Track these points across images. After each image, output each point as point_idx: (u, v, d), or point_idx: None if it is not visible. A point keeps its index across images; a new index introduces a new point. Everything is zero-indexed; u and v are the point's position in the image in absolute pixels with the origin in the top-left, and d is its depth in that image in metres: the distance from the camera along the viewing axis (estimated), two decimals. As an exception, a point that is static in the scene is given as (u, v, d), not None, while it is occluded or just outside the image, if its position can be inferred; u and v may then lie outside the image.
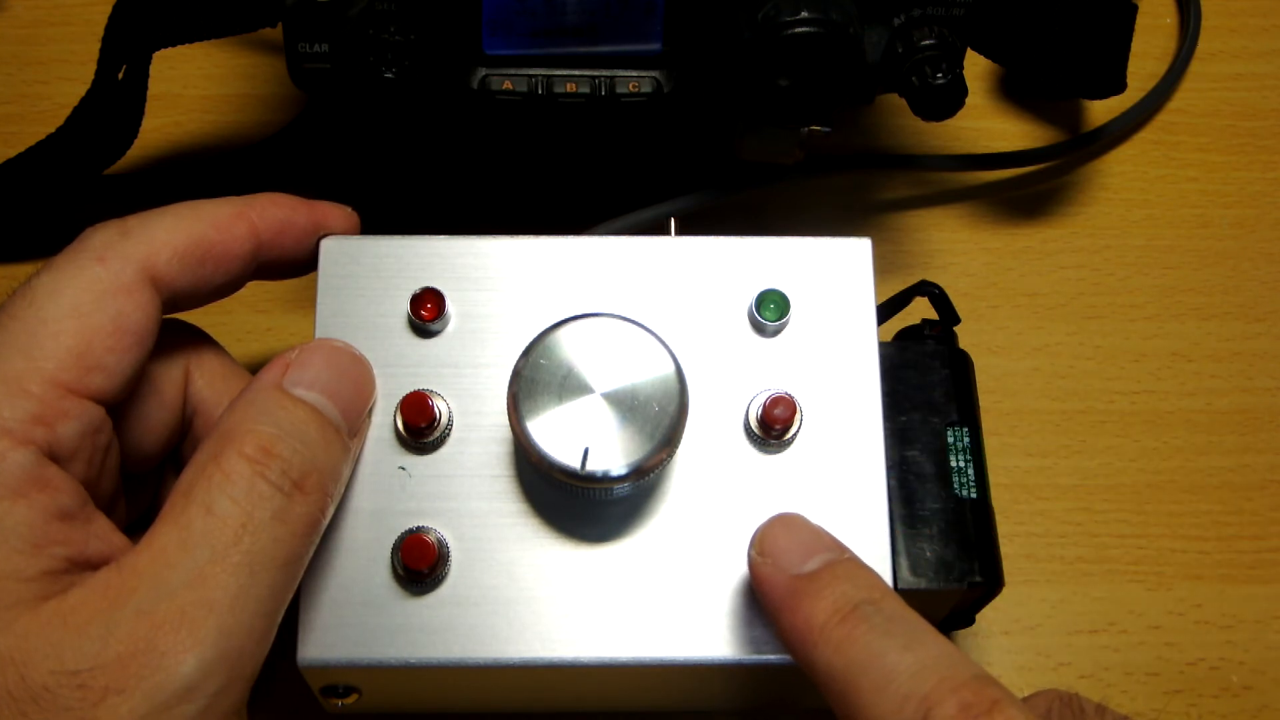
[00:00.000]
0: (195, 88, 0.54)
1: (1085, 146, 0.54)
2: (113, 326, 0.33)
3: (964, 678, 0.29)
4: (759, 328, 0.38)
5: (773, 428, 0.37)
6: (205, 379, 0.38)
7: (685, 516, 0.36)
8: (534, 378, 0.34)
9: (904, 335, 0.42)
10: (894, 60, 0.41)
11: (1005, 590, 0.39)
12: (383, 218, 0.42)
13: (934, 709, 0.29)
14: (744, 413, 0.37)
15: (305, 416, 0.33)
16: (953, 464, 0.39)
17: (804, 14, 0.39)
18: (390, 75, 0.40)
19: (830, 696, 0.31)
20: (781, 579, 0.33)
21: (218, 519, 0.31)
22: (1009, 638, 0.45)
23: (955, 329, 0.42)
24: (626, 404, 0.34)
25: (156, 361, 0.36)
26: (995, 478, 0.42)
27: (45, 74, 0.54)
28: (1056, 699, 0.31)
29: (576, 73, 0.42)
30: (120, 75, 0.45)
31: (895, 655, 0.30)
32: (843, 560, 0.33)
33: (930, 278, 0.43)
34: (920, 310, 0.43)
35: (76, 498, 0.32)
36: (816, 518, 0.36)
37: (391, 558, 0.36)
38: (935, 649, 0.30)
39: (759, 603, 0.34)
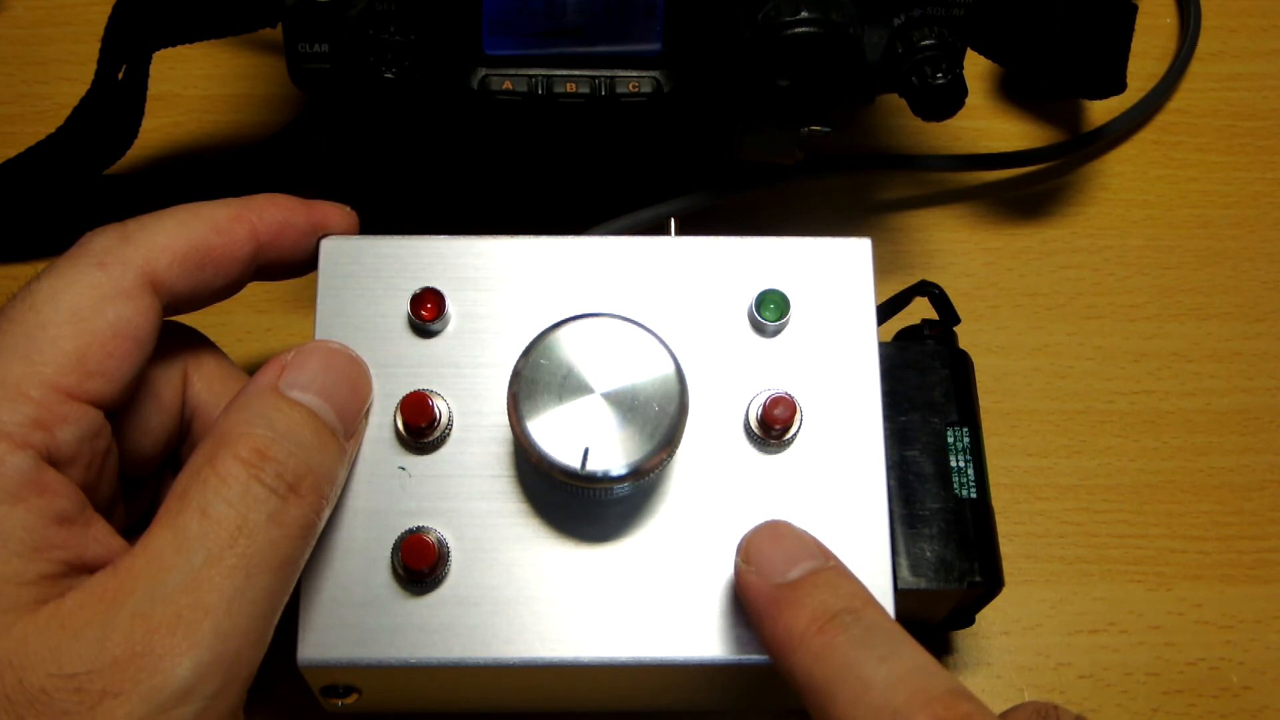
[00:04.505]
0: (195, 88, 0.54)
1: (1085, 146, 0.54)
2: (112, 331, 0.33)
3: (937, 691, 0.29)
4: (759, 328, 0.38)
5: (773, 428, 0.37)
6: (204, 382, 0.38)
7: (685, 516, 0.36)
8: (534, 378, 0.34)
9: (904, 335, 0.42)
10: (894, 60, 0.41)
11: (1005, 590, 0.39)
12: (383, 218, 0.42)
13: None
14: (744, 413, 0.37)
15: (300, 419, 0.33)
16: (953, 464, 0.39)
17: (804, 14, 0.39)
18: (390, 75, 0.40)
19: (809, 705, 0.31)
20: (764, 587, 0.33)
21: (213, 522, 0.31)
22: (1009, 638, 0.45)
23: (955, 329, 0.42)
24: (626, 404, 0.34)
25: (155, 365, 0.36)
26: (995, 478, 0.42)
27: (45, 74, 0.54)
28: (1034, 712, 0.31)
29: (576, 73, 0.42)
30: (120, 75, 0.45)
31: (871, 666, 0.30)
32: (826, 569, 0.33)
33: (930, 278, 0.43)
34: (920, 310, 0.43)
35: (75, 502, 0.32)
36: (816, 518, 0.36)
37: (391, 558, 0.36)
38: (911, 661, 0.30)
39: (744, 611, 0.35)
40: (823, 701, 0.30)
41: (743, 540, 0.34)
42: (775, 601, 0.32)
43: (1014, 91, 0.55)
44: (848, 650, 0.31)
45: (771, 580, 0.33)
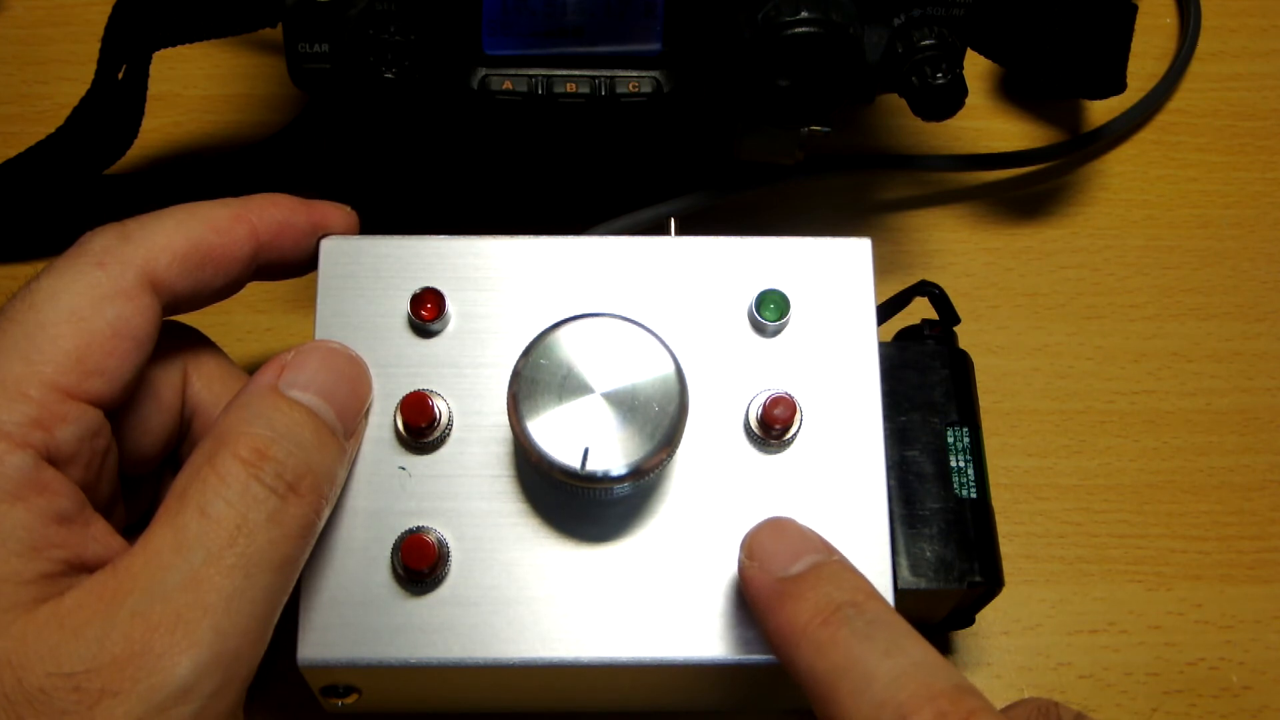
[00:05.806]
0: (195, 88, 0.54)
1: (1085, 146, 0.54)
2: (111, 331, 0.33)
3: (942, 686, 0.29)
4: (759, 328, 0.38)
5: (773, 428, 0.37)
6: (203, 381, 0.38)
7: (685, 516, 0.36)
8: (534, 378, 0.34)
9: (904, 335, 0.42)
10: (894, 60, 0.41)
11: (1005, 590, 0.39)
12: (383, 218, 0.42)
13: (909, 717, 0.29)
14: (744, 413, 0.37)
15: (300, 419, 0.33)
16: (953, 464, 0.39)
17: (804, 14, 0.39)
18: (390, 75, 0.40)
19: (811, 699, 0.31)
20: (767, 581, 0.33)
21: (212, 521, 0.31)
22: (1009, 638, 0.45)
23: (955, 329, 0.42)
24: (626, 404, 0.34)
25: (154, 364, 0.36)
26: (995, 478, 0.42)
27: (45, 74, 0.54)
28: (1035, 709, 0.31)
29: (576, 73, 0.42)
30: (120, 75, 0.45)
31: (874, 660, 0.30)
32: (829, 562, 0.33)
33: (930, 278, 0.43)
34: (920, 310, 0.43)
35: (74, 501, 0.32)
36: (816, 518, 0.36)
37: (391, 558, 0.36)
38: (915, 655, 0.30)
39: (747, 605, 0.34)
40: (825, 694, 0.30)
41: (745, 537, 0.34)
42: (778, 595, 0.32)
43: (1014, 91, 0.55)
44: (850, 643, 0.30)
45: (774, 574, 0.33)
